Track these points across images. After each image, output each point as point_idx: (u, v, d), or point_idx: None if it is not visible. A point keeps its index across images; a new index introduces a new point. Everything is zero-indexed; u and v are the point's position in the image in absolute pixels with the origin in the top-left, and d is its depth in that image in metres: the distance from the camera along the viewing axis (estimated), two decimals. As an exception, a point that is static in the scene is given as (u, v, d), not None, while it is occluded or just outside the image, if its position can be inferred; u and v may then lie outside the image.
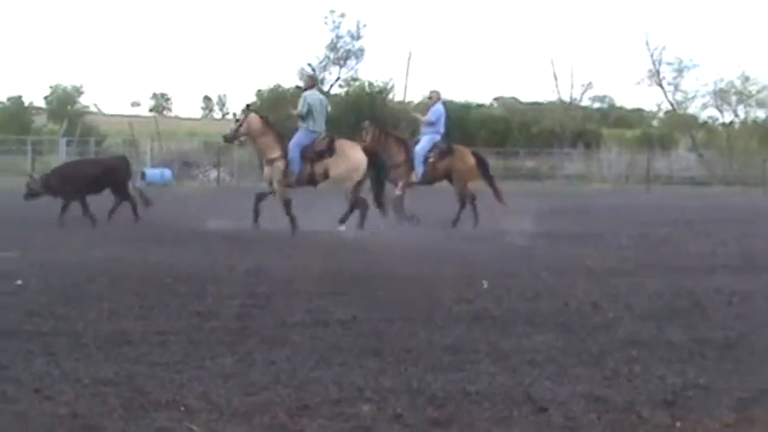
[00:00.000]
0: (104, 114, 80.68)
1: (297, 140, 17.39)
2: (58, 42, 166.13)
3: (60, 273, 11.04)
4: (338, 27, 64.49)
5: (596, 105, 77.06)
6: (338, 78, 64.85)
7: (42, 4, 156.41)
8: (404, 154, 19.63)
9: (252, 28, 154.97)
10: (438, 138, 19.83)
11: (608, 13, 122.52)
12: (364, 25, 64.93)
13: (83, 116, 60.75)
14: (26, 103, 65.28)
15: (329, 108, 18.27)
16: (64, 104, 66.57)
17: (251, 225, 16.96)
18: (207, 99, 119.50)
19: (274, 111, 54.26)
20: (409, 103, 59.30)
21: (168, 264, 11.99)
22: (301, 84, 61.78)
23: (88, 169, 19.66)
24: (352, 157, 17.54)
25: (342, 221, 17.16)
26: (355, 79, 64.25)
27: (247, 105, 18.64)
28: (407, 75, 74.12)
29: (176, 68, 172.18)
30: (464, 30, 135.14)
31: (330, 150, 17.39)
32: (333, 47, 64.50)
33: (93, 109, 75.26)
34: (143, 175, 39.85)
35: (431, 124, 19.84)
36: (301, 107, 17.55)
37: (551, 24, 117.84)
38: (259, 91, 62.14)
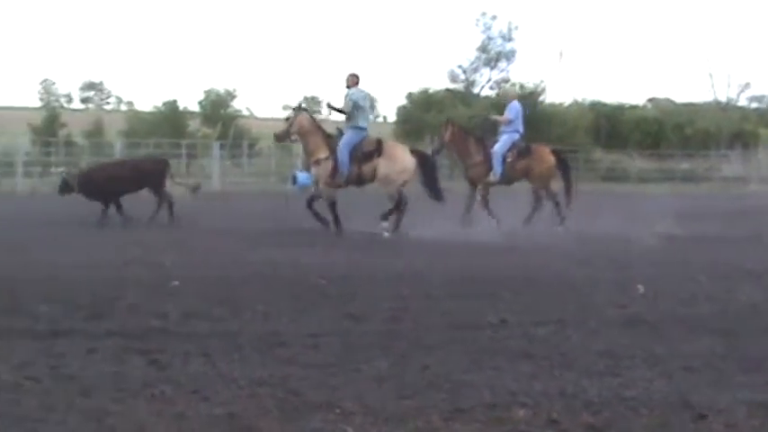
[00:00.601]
0: (257, 118, 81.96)
1: (346, 140, 17.37)
2: (212, 48, 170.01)
3: (215, 275, 11.23)
4: (489, 29, 64.32)
5: (754, 106, 74.88)
6: (489, 80, 64.67)
7: (196, 12, 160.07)
8: (482, 153, 19.44)
9: (402, 31, 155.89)
10: (517, 137, 19.55)
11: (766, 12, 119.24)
12: (515, 27, 64.68)
13: (236, 120, 61.75)
14: (181, 108, 66.69)
15: (374, 103, 18.20)
16: (217, 108, 67.80)
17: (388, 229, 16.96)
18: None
19: (424, 113, 54.46)
20: (560, 104, 58.79)
21: (320, 266, 12.08)
22: (452, 87, 62.01)
23: (122, 171, 19.86)
24: (401, 158, 17.55)
25: (384, 218, 17.20)
26: (506, 81, 63.92)
27: (298, 105, 18.67)
28: (558, 76, 73.51)
29: (327, 72, 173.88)
30: (617, 29, 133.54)
31: (378, 151, 17.38)
32: (484, 48, 64.35)
33: (245, 112, 76.53)
34: (294, 179, 40.28)
35: (509, 123, 19.55)
36: (346, 105, 17.48)
37: (707, 24, 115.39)
38: (409, 94, 62.26)
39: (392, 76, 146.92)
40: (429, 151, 19.98)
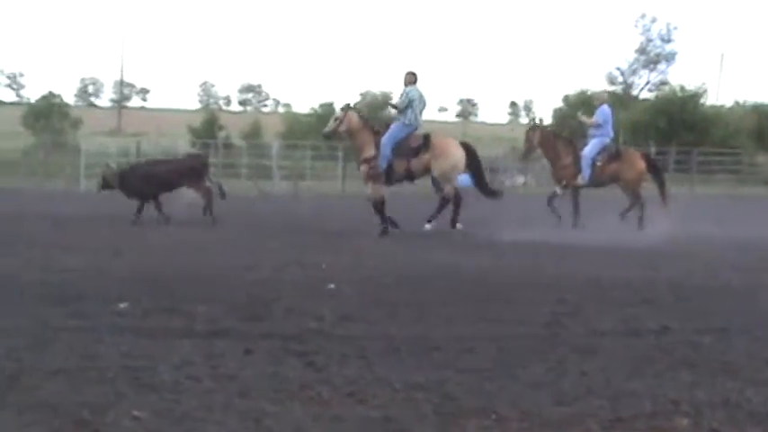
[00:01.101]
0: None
1: (390, 134, 17.36)
2: (369, 49, 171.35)
3: (370, 277, 11.26)
4: (648, 30, 63.47)
5: None
6: (648, 83, 63.70)
7: (354, 15, 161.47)
8: (571, 155, 19.31)
9: (560, 33, 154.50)
10: (607, 141, 19.42)
11: None
12: (675, 28, 63.57)
13: (392, 122, 62.09)
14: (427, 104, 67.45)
15: (426, 104, 17.78)
16: (374, 111, 68.31)
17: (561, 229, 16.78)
18: (513, 104, 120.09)
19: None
20: (721, 106, 57.37)
21: (473, 269, 12.02)
22: (610, 89, 61.08)
23: (161, 169, 19.77)
24: (452, 153, 17.41)
25: (433, 218, 17.12)
26: (665, 83, 62.87)
27: (347, 103, 18.43)
28: (720, 78, 71.84)
29: (483, 74, 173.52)
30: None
31: (426, 146, 17.26)
32: (643, 50, 63.48)
33: (401, 115, 76.91)
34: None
35: (598, 126, 19.35)
36: (401, 100, 17.46)
37: None
38: (566, 96, 61.68)
39: (549, 78, 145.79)
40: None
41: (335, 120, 18.00)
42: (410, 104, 17.33)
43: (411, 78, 17.64)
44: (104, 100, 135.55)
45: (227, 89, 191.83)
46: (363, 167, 17.66)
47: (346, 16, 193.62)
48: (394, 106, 17.84)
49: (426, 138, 17.48)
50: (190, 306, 8.76)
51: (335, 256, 13.34)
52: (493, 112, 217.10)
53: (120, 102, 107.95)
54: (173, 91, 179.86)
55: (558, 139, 20.11)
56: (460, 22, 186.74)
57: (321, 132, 19.44)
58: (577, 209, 18.96)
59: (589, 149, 19.29)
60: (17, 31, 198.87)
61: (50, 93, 72.57)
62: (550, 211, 18.74)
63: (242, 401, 5.75)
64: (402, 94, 17.56)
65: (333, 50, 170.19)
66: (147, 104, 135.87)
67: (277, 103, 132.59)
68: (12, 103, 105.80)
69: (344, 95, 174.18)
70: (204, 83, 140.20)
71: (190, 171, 19.37)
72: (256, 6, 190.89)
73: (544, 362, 6.79)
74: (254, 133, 58.10)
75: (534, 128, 20.45)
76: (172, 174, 19.28)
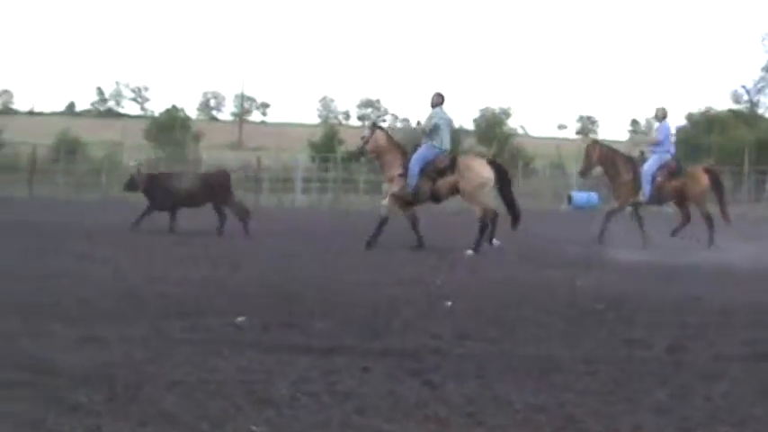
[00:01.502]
0: (531, 137, 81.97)
1: (419, 155, 17.21)
2: (488, 66, 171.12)
3: (488, 295, 11.16)
4: (774, 48, 62.19)
5: None
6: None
7: (469, 31, 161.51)
8: (631, 172, 19.19)
9: (684, 50, 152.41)
10: (668, 157, 19.32)
11: None
12: (802, 46, 62.13)
13: (510, 138, 61.91)
14: (455, 126, 67.42)
15: (454, 127, 17.87)
16: (492, 127, 68.14)
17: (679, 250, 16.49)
18: (635, 122, 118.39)
19: (704, 134, 52.81)
20: None
21: (594, 289, 11.83)
22: (735, 107, 59.93)
23: (187, 183, 19.83)
24: (478, 172, 17.15)
25: (484, 243, 16.74)
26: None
27: (374, 122, 18.21)
28: None
29: (603, 91, 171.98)
30: None
31: (452, 167, 17.08)
32: (768, 68, 62.20)
33: (520, 131, 76.69)
34: (569, 199, 39.89)
35: (658, 144, 19.33)
36: (427, 123, 17.40)
37: None
38: (689, 114, 60.66)
39: (672, 96, 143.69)
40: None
41: (362, 138, 18.10)
42: (437, 126, 17.31)
43: (438, 100, 17.63)
44: (225, 114, 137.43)
45: (347, 104, 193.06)
46: (387, 185, 17.70)
47: (465, 33, 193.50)
48: (423, 130, 17.72)
49: (453, 159, 17.42)
50: (307, 321, 8.78)
51: (451, 273, 13.27)
52: (613, 130, 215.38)
53: (240, 115, 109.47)
54: (293, 105, 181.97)
55: (617, 155, 19.93)
56: (581, 38, 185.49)
57: (346, 152, 19.40)
58: (642, 227, 18.89)
59: (648, 165, 19.22)
60: (143, 46, 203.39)
61: (174, 106, 73.98)
62: (602, 228, 18.76)
63: (358, 419, 5.70)
64: (429, 117, 17.54)
65: (452, 66, 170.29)
66: (268, 118, 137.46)
67: (395, 117, 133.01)
68: (136, 117, 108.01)
69: (463, 111, 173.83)
70: (324, 97, 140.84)
71: (214, 187, 19.48)
72: (376, 22, 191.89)
73: (667, 386, 6.61)
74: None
75: (594, 144, 20.49)
76: (195, 189, 19.46)
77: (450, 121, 18.02)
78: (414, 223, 17.25)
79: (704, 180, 19.40)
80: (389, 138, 18.09)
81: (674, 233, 19.06)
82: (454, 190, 17.30)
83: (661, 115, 19.79)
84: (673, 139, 19.74)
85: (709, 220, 18.91)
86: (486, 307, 10.16)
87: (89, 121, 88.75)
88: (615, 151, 20.35)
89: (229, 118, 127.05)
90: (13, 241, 15.62)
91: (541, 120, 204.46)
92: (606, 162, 19.63)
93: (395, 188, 17.30)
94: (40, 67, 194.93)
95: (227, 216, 19.09)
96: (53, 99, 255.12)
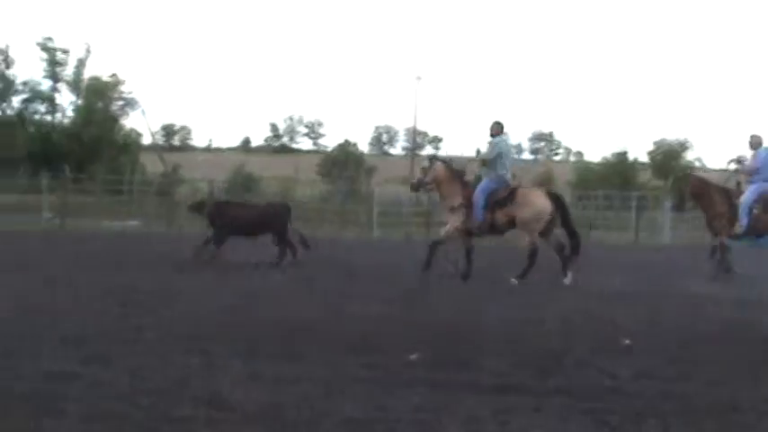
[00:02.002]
0: (709, 170, 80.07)
1: (484, 186, 17.15)
2: (664, 98, 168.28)
3: (666, 332, 10.88)
4: None
5: None
6: None
7: (643, 64, 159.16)
8: (726, 204, 18.73)
9: None
10: (767, 186, 18.59)
11: None
12: None
13: (689, 171, 60.67)
14: (630, 159, 66.39)
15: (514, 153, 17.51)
16: (668, 160, 66.94)
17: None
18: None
19: None
20: None
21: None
22: None
23: (247, 213, 19.97)
24: (535, 203, 16.99)
25: (521, 275, 16.52)
26: None
27: (433, 155, 18.06)
28: None
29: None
30: None
31: (511, 198, 16.96)
32: None
33: (697, 164, 75.02)
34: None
35: (755, 172, 18.64)
36: (489, 152, 17.39)
37: None
38: None
39: None
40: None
41: (422, 170, 18.31)
42: (499, 156, 17.25)
43: (497, 129, 17.49)
44: (398, 148, 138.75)
45: (519, 137, 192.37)
46: (449, 216, 17.63)
47: (640, 64, 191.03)
48: (483, 157, 17.67)
49: (513, 190, 17.21)
50: (478, 359, 8.70)
51: (628, 310, 12.98)
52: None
53: (412, 150, 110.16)
54: (464, 138, 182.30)
55: (710, 186, 19.42)
56: (762, 68, 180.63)
57: (410, 184, 19.82)
58: (725, 258, 18.56)
59: (746, 196, 18.64)
60: (316, 82, 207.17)
61: (346, 141, 75.07)
62: (716, 265, 18.35)
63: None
64: (489, 145, 17.49)
65: (627, 97, 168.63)
66: (440, 152, 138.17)
67: (569, 151, 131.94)
68: (310, 152, 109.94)
69: (637, 143, 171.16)
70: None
71: (272, 219, 19.53)
72: (550, 53, 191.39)
73: None
74: (545, 182, 57.98)
75: (684, 177, 20.35)
76: (254, 219, 19.57)
77: (510, 150, 18.02)
78: (468, 253, 17.17)
79: None
80: (449, 168, 18.00)
81: None
82: (512, 222, 17.15)
83: (756, 143, 19.08)
84: None
85: None
86: (665, 345, 9.89)
87: (263, 156, 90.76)
88: (708, 183, 19.81)
89: (401, 152, 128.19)
90: (182, 277, 15.97)
91: (719, 151, 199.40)
92: (700, 195, 19.24)
93: (457, 219, 17.27)
94: (217, 103, 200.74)
95: (286, 249, 19.22)
96: (229, 135, 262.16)
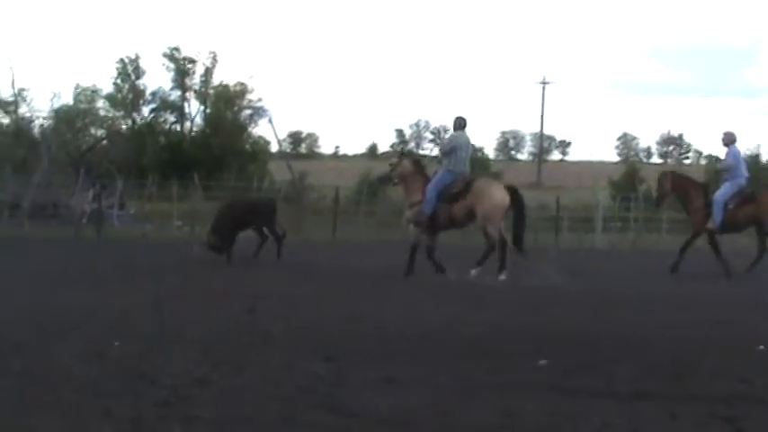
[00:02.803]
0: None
1: (435, 181, 17.44)
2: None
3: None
4: None
5: None
6: None
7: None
8: (702, 198, 19.28)
9: None
10: (742, 182, 19.19)
11: None
12: None
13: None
14: (765, 160, 65.10)
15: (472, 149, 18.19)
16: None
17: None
18: None
19: None
20: None
21: None
22: None
23: (236, 209, 20.81)
24: (493, 195, 17.18)
25: (478, 264, 17.02)
26: None
27: (402, 151, 18.11)
28: None
29: None
30: None
31: (467, 190, 17.11)
32: None
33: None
34: None
35: (729, 168, 19.26)
36: (446, 146, 18.05)
37: None
38: None
39: None
40: None
41: (390, 165, 18.72)
42: (454, 150, 17.52)
43: (459, 123, 17.79)
44: (525, 153, 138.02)
45: (648, 141, 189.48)
46: (407, 212, 18.03)
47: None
48: (441, 152, 18.32)
49: (469, 182, 17.36)
50: (610, 365, 8.55)
51: (762, 315, 12.65)
52: None
53: (539, 155, 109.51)
54: (593, 143, 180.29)
55: (689, 183, 20.23)
56: None
57: (373, 177, 20.23)
58: (719, 255, 18.88)
59: (721, 192, 19.15)
60: (440, 87, 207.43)
61: (473, 146, 75.16)
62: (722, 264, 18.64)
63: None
64: (448, 140, 18.05)
65: (759, 96, 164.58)
66: (567, 157, 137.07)
67: (699, 154, 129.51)
68: (436, 157, 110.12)
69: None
70: (624, 135, 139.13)
71: (261, 212, 20.41)
72: (677, 57, 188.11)
73: None
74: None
75: (666, 173, 20.64)
76: (245, 214, 20.29)
77: (468, 144, 18.14)
78: (430, 252, 17.46)
79: None
80: (416, 165, 18.36)
81: (751, 268, 18.87)
82: (471, 215, 17.29)
83: (729, 140, 19.43)
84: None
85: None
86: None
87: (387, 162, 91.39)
88: (688, 179, 20.63)
89: (528, 158, 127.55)
90: (309, 283, 16.05)
91: None
92: (679, 190, 19.95)
93: (409, 215, 17.79)
94: (344, 110, 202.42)
95: (264, 241, 20.20)
96: (356, 141, 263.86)
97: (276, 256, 19.76)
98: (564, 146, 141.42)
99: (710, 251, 19.05)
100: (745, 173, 19.39)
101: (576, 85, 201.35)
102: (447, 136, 18.49)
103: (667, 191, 20.14)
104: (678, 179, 20.30)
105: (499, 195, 17.26)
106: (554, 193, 43.25)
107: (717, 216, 18.92)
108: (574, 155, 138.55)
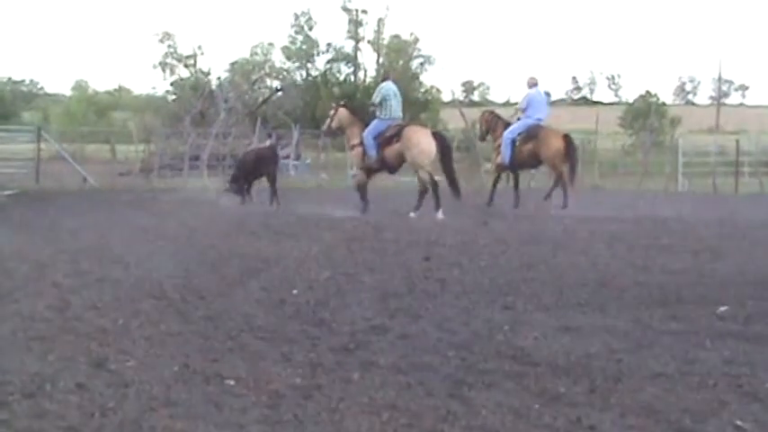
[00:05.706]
0: None
1: (370, 128, 18.74)
2: None
3: None
4: None
5: None
6: None
7: None
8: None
9: None
10: (530, 122, 20.41)
11: None
12: None
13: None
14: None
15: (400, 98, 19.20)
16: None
17: None
18: None
19: None
20: None
21: None
22: None
23: (248, 157, 22.16)
24: (421, 141, 18.36)
25: (416, 209, 18.18)
26: None
27: (338, 102, 21.10)
28: None
29: None
30: None
31: (398, 136, 18.35)
32: None
33: None
34: None
35: (523, 110, 20.68)
36: (375, 97, 19.03)
37: None
38: None
39: None
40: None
41: (329, 116, 19.98)
42: (385, 100, 18.76)
43: (386, 76, 19.90)
44: (702, 97, 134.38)
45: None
46: (352, 152, 19.81)
47: None
48: (372, 103, 19.24)
49: (400, 128, 18.61)
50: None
51: None
52: None
53: (718, 99, 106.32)
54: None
55: (499, 121, 21.45)
56: None
57: (322, 131, 22.10)
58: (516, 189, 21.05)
59: (510, 130, 20.63)
60: (616, 34, 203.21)
61: (647, 92, 73.47)
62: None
63: None
64: (377, 91, 19.15)
65: None
66: (747, 101, 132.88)
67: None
68: (610, 104, 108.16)
69: None
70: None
71: (264, 160, 21.48)
72: None
73: None
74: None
75: (484, 113, 22.49)
76: (254, 162, 21.57)
77: (396, 93, 19.08)
78: (362, 190, 19.00)
79: (557, 142, 20.16)
80: (352, 113, 19.80)
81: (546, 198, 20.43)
82: (402, 159, 18.57)
83: (531, 84, 20.93)
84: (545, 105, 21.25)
85: (563, 183, 20.05)
86: None
87: (564, 109, 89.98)
88: (499, 118, 21.68)
89: (707, 102, 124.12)
90: (483, 229, 15.99)
91: None
92: (490, 128, 21.52)
93: (357, 159, 19.31)
94: (515, 60, 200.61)
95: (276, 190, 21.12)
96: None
97: (273, 203, 20.90)
98: (743, 89, 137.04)
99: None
100: (538, 114, 20.61)
101: (755, 29, 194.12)
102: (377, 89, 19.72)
103: (484, 128, 21.95)
104: (491, 118, 21.76)
105: (425, 142, 18.45)
106: (733, 137, 41.85)
107: (505, 153, 20.56)
108: (753, 98, 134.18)
